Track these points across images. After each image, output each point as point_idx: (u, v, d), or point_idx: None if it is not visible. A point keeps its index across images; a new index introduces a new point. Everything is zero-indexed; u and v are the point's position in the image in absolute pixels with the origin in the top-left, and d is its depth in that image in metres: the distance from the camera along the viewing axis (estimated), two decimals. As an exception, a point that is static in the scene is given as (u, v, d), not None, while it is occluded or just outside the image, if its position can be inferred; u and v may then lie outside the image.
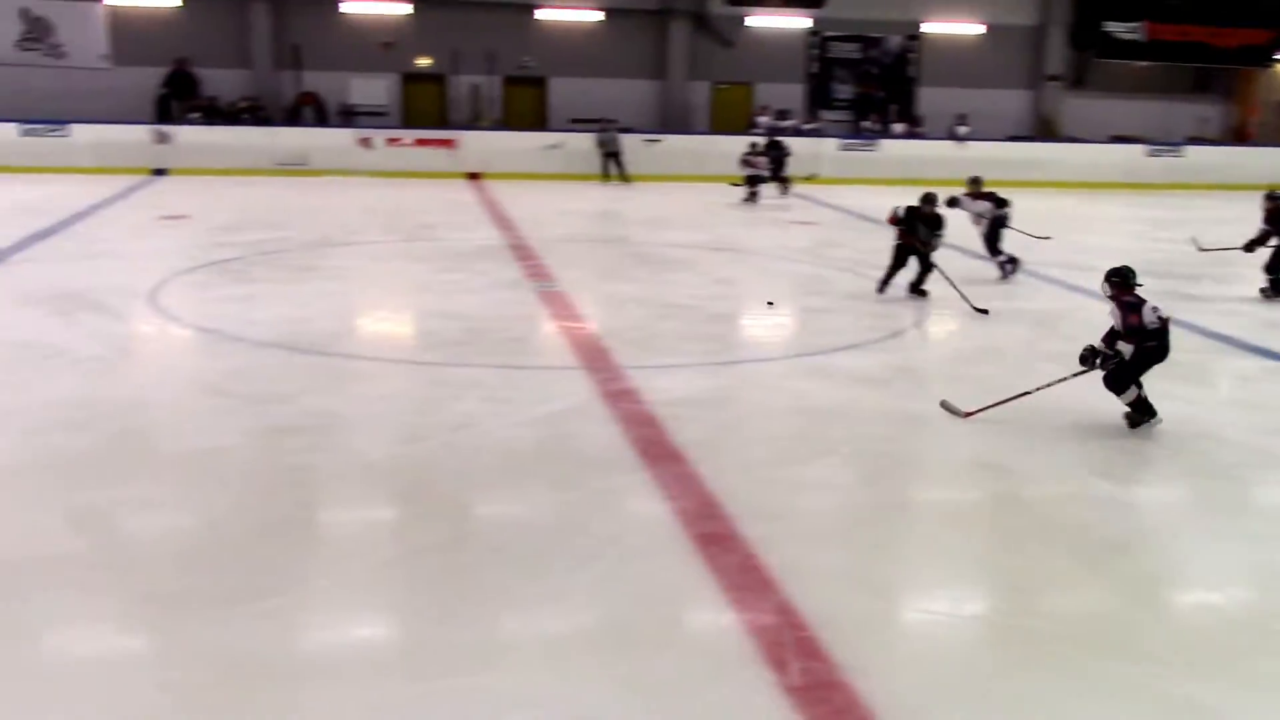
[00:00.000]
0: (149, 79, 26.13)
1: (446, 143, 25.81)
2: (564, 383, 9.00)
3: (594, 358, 9.81)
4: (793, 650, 5.00)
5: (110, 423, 7.95)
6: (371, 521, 6.60)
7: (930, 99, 30.80)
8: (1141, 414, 8.20)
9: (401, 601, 5.53)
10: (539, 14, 28.75)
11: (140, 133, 24.51)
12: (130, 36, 26.60)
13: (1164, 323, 7.99)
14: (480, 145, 25.91)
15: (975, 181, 14.50)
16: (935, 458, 7.96)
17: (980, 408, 8.38)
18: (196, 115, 26.01)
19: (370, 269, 14.63)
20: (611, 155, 25.57)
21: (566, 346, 9.67)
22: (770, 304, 12.74)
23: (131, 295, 12.03)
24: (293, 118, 26.97)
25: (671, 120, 29.37)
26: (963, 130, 28.55)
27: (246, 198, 21.09)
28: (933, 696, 4.74)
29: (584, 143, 25.84)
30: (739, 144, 23.65)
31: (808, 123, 29.56)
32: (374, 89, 28.15)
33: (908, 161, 26.23)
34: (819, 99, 30.81)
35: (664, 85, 29.65)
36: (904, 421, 8.50)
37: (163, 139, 24.25)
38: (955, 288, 12.35)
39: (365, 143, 25.34)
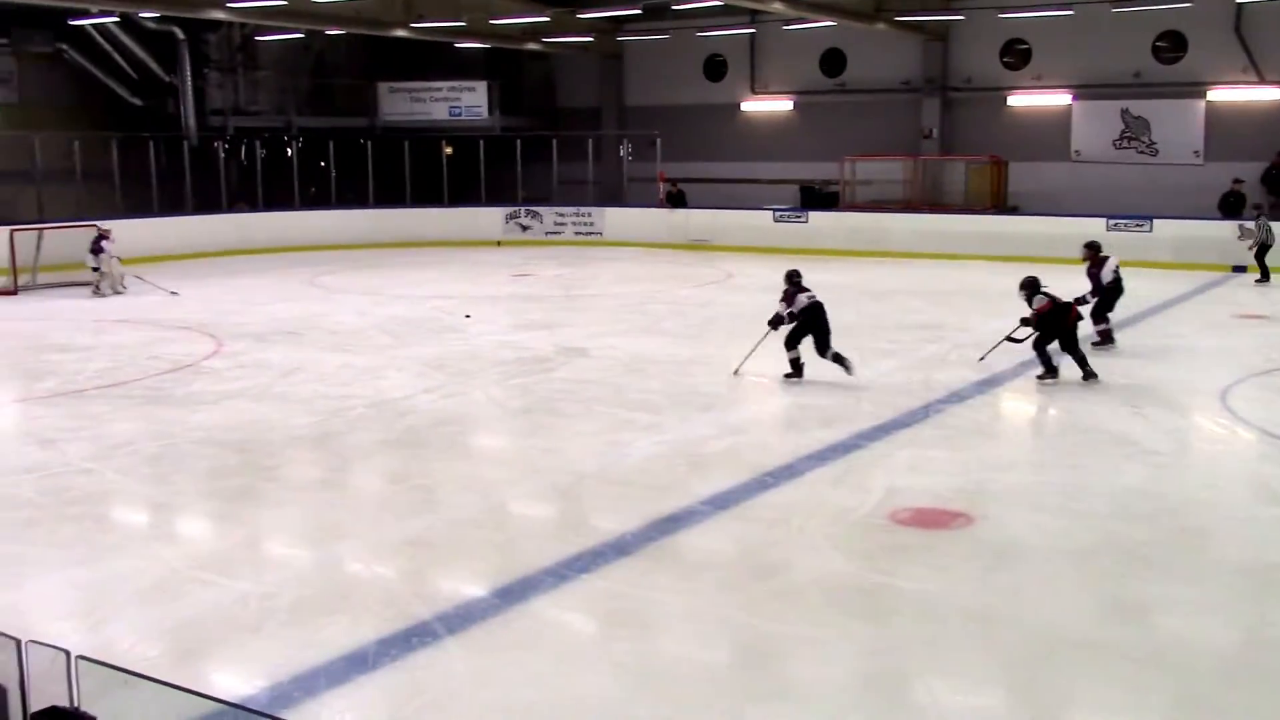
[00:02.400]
0: (1235, 174, 25.61)
1: None
2: None
3: None
4: None
5: (1170, 518, 7.91)
6: None
7: None
8: (794, 371, 12.15)
9: None
10: None
11: (1224, 229, 24.09)
12: (1224, 131, 26.38)
13: (812, 307, 12.05)
14: None
15: None
16: None
17: None
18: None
19: None
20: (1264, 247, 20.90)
21: None
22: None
23: (1200, 392, 11.85)
24: None
25: None
26: None
27: (1334, 298, 19.58)
28: None
29: None
30: None
31: None
32: None
33: None
34: None
35: None
36: None
37: (1247, 235, 23.56)
38: None
39: None
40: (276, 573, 7.07)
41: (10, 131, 26.84)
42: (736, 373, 12.59)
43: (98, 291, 20.01)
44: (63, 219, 22.89)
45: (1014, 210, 27.72)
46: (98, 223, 21.14)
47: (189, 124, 29.10)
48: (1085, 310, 13.11)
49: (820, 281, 21.31)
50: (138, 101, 29.49)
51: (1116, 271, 13.98)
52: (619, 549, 7.27)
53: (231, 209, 29.10)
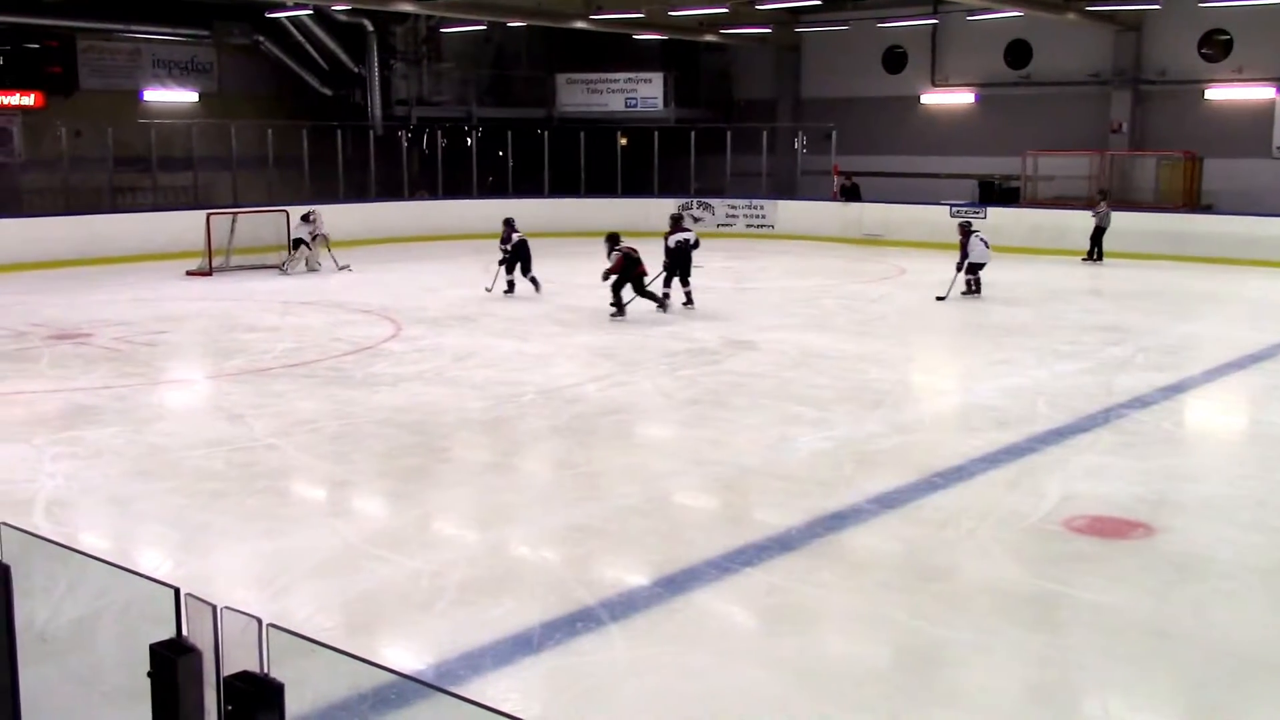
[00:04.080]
0: None
1: None
2: None
3: None
4: None
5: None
6: None
7: None
8: (508, 289, 18.31)
9: None
10: None
11: None
12: None
13: (519, 244, 18.15)
14: None
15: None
16: None
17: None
18: None
19: None
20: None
21: None
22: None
23: None
24: None
25: None
26: None
27: None
28: None
29: None
30: None
31: None
32: None
33: None
34: None
35: None
36: None
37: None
38: None
39: None
40: (447, 552, 7.25)
41: (209, 119, 28.20)
42: (488, 289, 18.33)
43: (281, 268, 21.17)
44: (255, 204, 23.98)
45: (1208, 209, 26.50)
46: (312, 206, 22.52)
47: (375, 113, 30.09)
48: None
49: (997, 279, 20.92)
50: (327, 91, 30.61)
51: (680, 243, 16.86)
52: (783, 544, 7.23)
53: (413, 196, 29.96)
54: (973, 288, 18.33)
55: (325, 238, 21.74)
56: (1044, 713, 5.27)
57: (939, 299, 17.95)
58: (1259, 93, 26.62)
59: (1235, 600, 6.48)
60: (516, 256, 18.19)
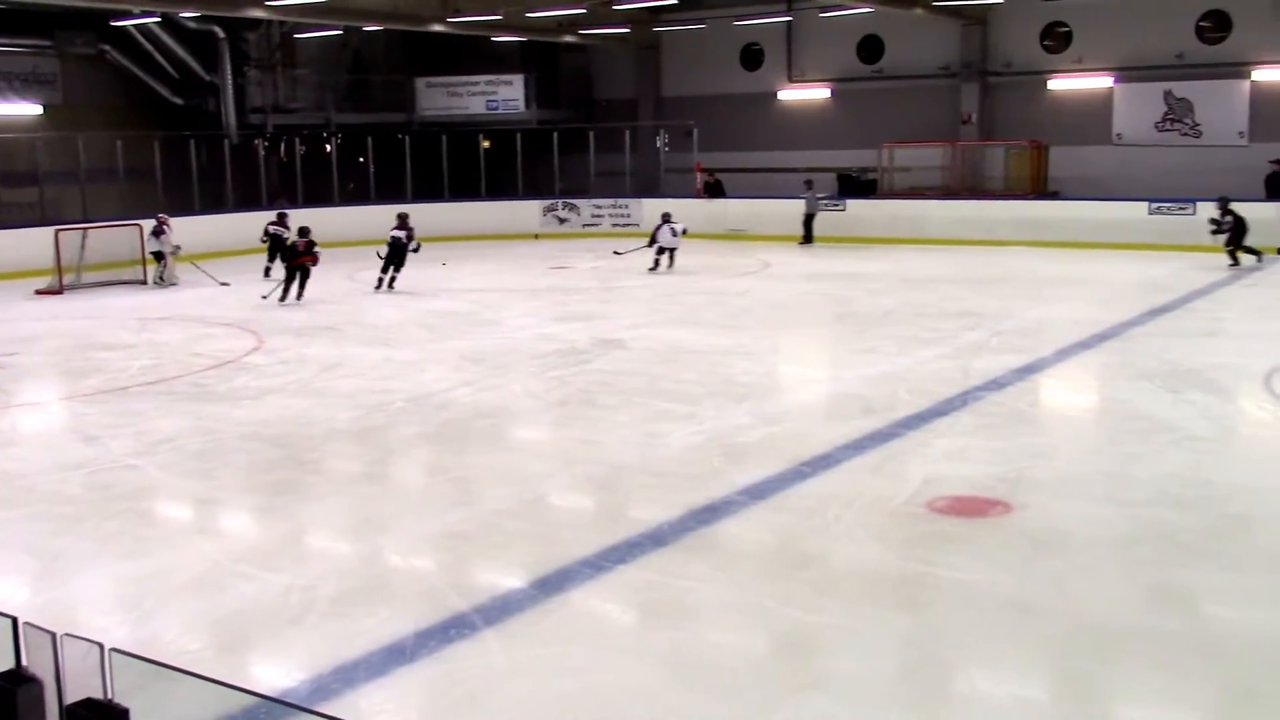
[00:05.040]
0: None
1: None
2: None
3: None
4: None
5: (1214, 505, 7.82)
6: None
7: None
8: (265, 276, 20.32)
9: None
10: None
11: (1269, 210, 23.71)
12: (1270, 111, 25.94)
13: (274, 235, 20.70)
14: None
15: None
16: None
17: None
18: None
19: None
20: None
21: None
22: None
23: (1244, 376, 11.71)
24: None
25: None
26: None
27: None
28: None
29: None
30: None
31: None
32: None
33: None
34: None
35: None
36: None
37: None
38: None
39: None
40: (317, 566, 7.14)
41: (55, 132, 27.19)
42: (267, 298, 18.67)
43: (160, 281, 20.73)
44: (106, 218, 23.21)
45: (1055, 195, 27.47)
46: (166, 216, 21.92)
47: (229, 122, 29.35)
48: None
49: (858, 270, 21.38)
50: (179, 101, 29.77)
51: (394, 239, 19.56)
52: (656, 540, 7.28)
53: (272, 206, 29.28)
54: (670, 263, 21.94)
55: (176, 249, 21.25)
56: (914, 691, 5.41)
57: (616, 253, 23.21)
58: (1098, 82, 27.67)
59: (1092, 572, 6.74)
60: (273, 251, 20.64)
